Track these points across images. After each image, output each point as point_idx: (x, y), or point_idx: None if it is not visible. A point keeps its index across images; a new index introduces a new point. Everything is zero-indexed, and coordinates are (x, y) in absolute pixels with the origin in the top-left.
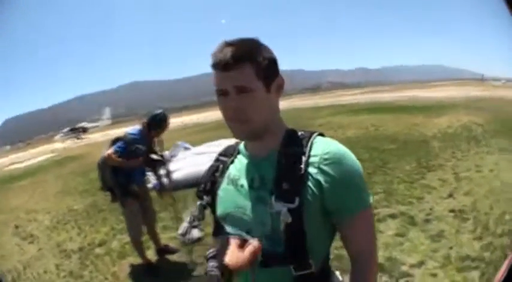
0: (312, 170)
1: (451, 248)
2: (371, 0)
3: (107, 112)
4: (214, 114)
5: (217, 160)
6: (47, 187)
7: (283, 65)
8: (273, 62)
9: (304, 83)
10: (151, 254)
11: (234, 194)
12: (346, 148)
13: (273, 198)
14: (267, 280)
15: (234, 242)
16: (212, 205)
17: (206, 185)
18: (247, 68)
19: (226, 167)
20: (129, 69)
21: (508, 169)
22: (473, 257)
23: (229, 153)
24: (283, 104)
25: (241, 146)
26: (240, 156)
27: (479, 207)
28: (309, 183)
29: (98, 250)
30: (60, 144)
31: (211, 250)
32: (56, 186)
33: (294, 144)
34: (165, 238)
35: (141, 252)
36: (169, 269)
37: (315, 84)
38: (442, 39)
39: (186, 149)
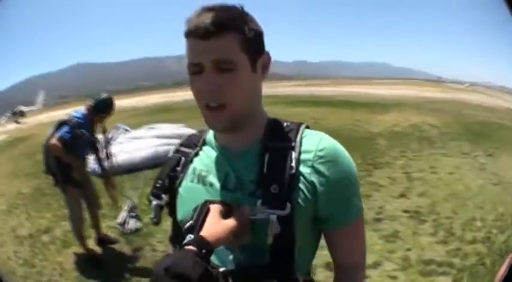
0: (304, 169)
1: (409, 249)
2: None
3: (41, 96)
4: (155, 98)
5: (177, 151)
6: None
7: None
8: (260, 35)
9: None
10: (93, 244)
11: (200, 194)
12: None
13: (258, 203)
14: None
15: (215, 209)
16: (171, 205)
17: (164, 182)
18: (230, 37)
19: (189, 161)
20: (73, 51)
21: (474, 174)
22: (439, 262)
23: (192, 144)
24: None
25: (209, 135)
26: (207, 148)
27: (438, 210)
28: (301, 186)
29: (44, 237)
30: (8, 127)
31: (189, 220)
32: (7, 168)
33: (279, 137)
34: (103, 227)
35: (82, 241)
36: (113, 260)
37: None
38: (389, 37)
39: (126, 131)
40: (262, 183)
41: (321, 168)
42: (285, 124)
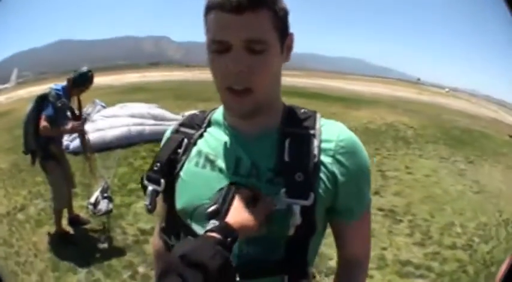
0: (325, 158)
1: (384, 248)
2: None
3: (15, 73)
4: (130, 77)
5: (176, 131)
6: None
7: (193, 37)
8: (287, 14)
9: None
10: (65, 224)
11: (207, 179)
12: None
13: (282, 191)
14: None
15: (242, 194)
16: (168, 191)
17: (162, 165)
18: (264, 14)
19: (192, 143)
20: (57, 27)
21: (452, 179)
22: (417, 264)
23: (195, 124)
24: (190, 75)
25: (216, 115)
26: (213, 129)
27: (414, 211)
28: (322, 176)
29: (19, 215)
30: None
31: (212, 204)
32: None
33: (298, 124)
34: (75, 206)
35: (59, 221)
36: (84, 240)
37: None
38: (368, 34)
39: (103, 107)
40: (284, 170)
41: (342, 158)
42: (302, 111)
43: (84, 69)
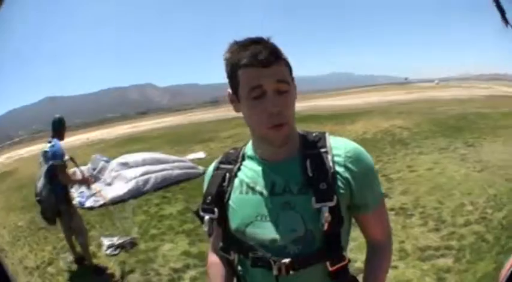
0: (338, 168)
1: (402, 242)
2: (267, 8)
3: None
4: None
5: (217, 168)
6: None
7: (176, 80)
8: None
9: (202, 97)
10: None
11: (252, 202)
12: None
13: (313, 199)
14: (302, 281)
15: None
16: (221, 218)
17: (213, 197)
18: (283, 64)
19: (234, 175)
20: (42, 85)
21: (455, 166)
22: (436, 247)
23: (232, 160)
24: (182, 118)
25: (248, 150)
26: (248, 163)
27: (423, 203)
28: (339, 182)
29: (50, 269)
30: None
31: None
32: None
33: (313, 146)
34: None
35: (90, 255)
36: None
37: (214, 98)
38: (348, 47)
39: (106, 162)
40: (311, 183)
41: (351, 166)
42: (313, 134)
43: (56, 116)
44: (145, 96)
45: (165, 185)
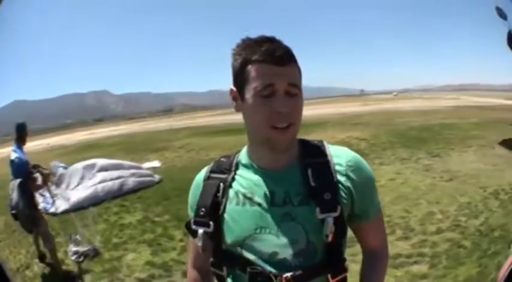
0: (340, 177)
1: None
2: (221, 21)
3: None
4: (77, 136)
5: (208, 178)
6: None
7: (131, 88)
8: None
9: (155, 105)
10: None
11: (250, 214)
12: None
13: (317, 210)
14: None
15: None
16: (218, 232)
17: (207, 209)
18: (295, 66)
19: (228, 186)
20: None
21: (419, 176)
22: (407, 254)
23: (224, 169)
24: (136, 127)
25: (242, 158)
26: (243, 171)
27: (388, 213)
28: (341, 191)
29: (28, 272)
30: None
31: None
32: None
33: (313, 154)
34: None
35: (59, 261)
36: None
37: (167, 107)
38: (304, 58)
39: (64, 168)
40: (314, 193)
41: (352, 175)
42: (312, 142)
43: (19, 121)
44: (102, 103)
45: (123, 192)
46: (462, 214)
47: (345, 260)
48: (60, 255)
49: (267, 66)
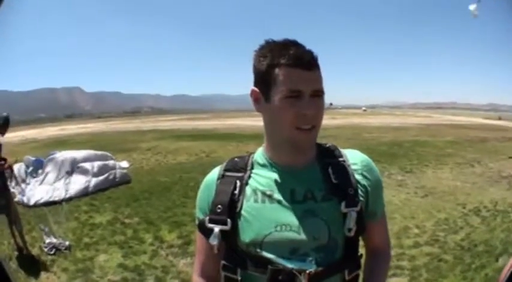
0: (357, 176)
1: None
2: (193, 27)
3: None
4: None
5: (223, 176)
6: None
7: (102, 87)
8: None
9: (123, 106)
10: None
11: (270, 211)
12: None
13: (343, 204)
14: None
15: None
16: (234, 231)
17: (224, 207)
18: (319, 71)
19: (245, 183)
20: None
21: (392, 191)
22: None
23: (240, 168)
24: (103, 126)
25: (259, 158)
26: (259, 170)
27: None
28: (358, 189)
29: (11, 264)
30: None
31: None
32: None
33: (330, 155)
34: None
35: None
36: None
37: (134, 108)
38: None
39: (38, 162)
40: (337, 189)
41: (367, 174)
42: (326, 145)
43: (3, 114)
44: (73, 99)
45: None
46: (440, 229)
47: (361, 256)
48: (37, 250)
49: (296, 71)
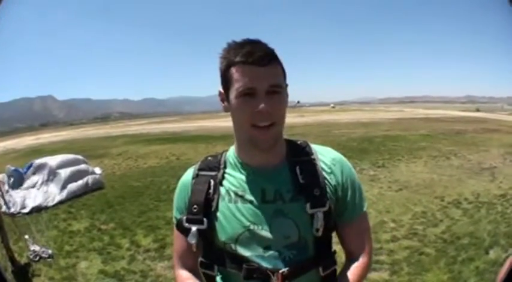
0: (326, 175)
1: None
2: (158, 32)
3: None
4: (25, 141)
5: (197, 176)
6: None
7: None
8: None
9: (94, 112)
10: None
11: (243, 211)
12: None
13: (307, 205)
14: None
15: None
16: (210, 229)
17: (200, 206)
18: (277, 65)
19: (218, 183)
20: None
21: (364, 185)
22: None
23: (213, 167)
24: (75, 133)
25: (230, 157)
26: (231, 170)
27: None
28: (327, 188)
29: (7, 275)
30: None
31: None
32: None
33: (300, 153)
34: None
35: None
36: None
37: (104, 114)
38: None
39: (18, 172)
40: (303, 189)
41: (337, 172)
42: (298, 142)
43: None
44: (46, 108)
45: (76, 195)
46: (418, 223)
47: (334, 252)
48: (25, 260)
49: (248, 68)
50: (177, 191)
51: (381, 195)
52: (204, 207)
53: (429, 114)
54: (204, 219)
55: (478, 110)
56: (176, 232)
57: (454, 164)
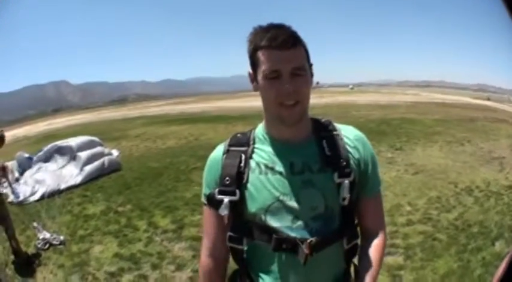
0: (350, 149)
1: None
2: (174, 13)
3: None
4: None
5: (228, 151)
6: None
7: (88, 78)
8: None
9: (110, 95)
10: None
11: (272, 182)
12: None
13: (335, 174)
14: (322, 261)
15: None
16: (241, 201)
17: (233, 178)
18: (301, 49)
19: (249, 157)
20: None
21: (382, 168)
22: None
23: (244, 143)
24: (91, 116)
25: (260, 133)
26: (261, 144)
27: None
28: (351, 161)
29: (7, 271)
30: None
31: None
32: None
33: (325, 129)
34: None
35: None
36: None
37: (121, 96)
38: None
39: (29, 158)
40: (330, 161)
41: (360, 148)
42: (322, 119)
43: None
44: (60, 93)
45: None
46: (433, 208)
47: (357, 225)
48: (32, 250)
49: (272, 52)
50: (206, 168)
51: (398, 178)
52: (236, 179)
53: (445, 99)
54: (237, 190)
55: (488, 99)
56: (206, 212)
57: (467, 151)
